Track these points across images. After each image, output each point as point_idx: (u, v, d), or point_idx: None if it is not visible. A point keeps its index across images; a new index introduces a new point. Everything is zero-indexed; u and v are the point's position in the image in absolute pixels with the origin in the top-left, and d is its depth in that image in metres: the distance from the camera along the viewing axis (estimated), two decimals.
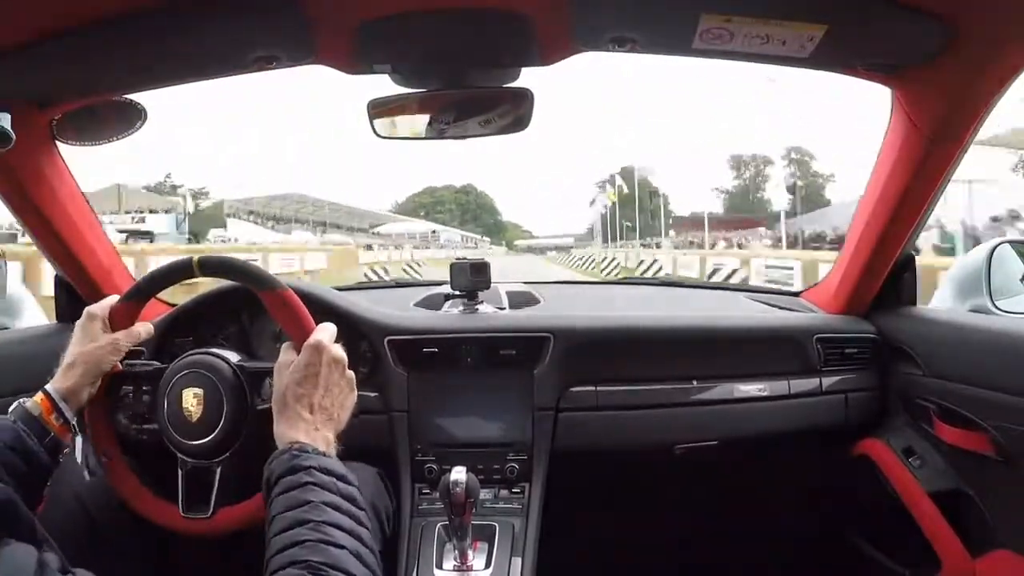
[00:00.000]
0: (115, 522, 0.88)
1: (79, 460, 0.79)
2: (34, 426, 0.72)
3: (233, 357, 0.83)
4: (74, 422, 0.75)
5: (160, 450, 0.81)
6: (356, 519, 0.60)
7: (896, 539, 1.20)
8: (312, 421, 0.67)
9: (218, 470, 0.79)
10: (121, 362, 0.85)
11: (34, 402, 0.74)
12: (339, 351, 0.73)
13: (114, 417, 0.84)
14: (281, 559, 0.55)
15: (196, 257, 0.80)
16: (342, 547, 0.56)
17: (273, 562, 0.56)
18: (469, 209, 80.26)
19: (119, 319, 0.83)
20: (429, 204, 77.39)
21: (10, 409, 0.74)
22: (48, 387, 0.75)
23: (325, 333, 0.73)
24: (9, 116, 0.51)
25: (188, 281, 0.84)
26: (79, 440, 0.78)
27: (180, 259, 0.82)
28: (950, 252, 10.68)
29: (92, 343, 0.78)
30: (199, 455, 0.78)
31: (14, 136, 0.55)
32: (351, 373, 0.73)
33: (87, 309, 0.81)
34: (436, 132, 1.00)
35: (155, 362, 0.87)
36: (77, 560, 0.57)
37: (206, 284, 1.05)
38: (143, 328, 0.85)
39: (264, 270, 0.79)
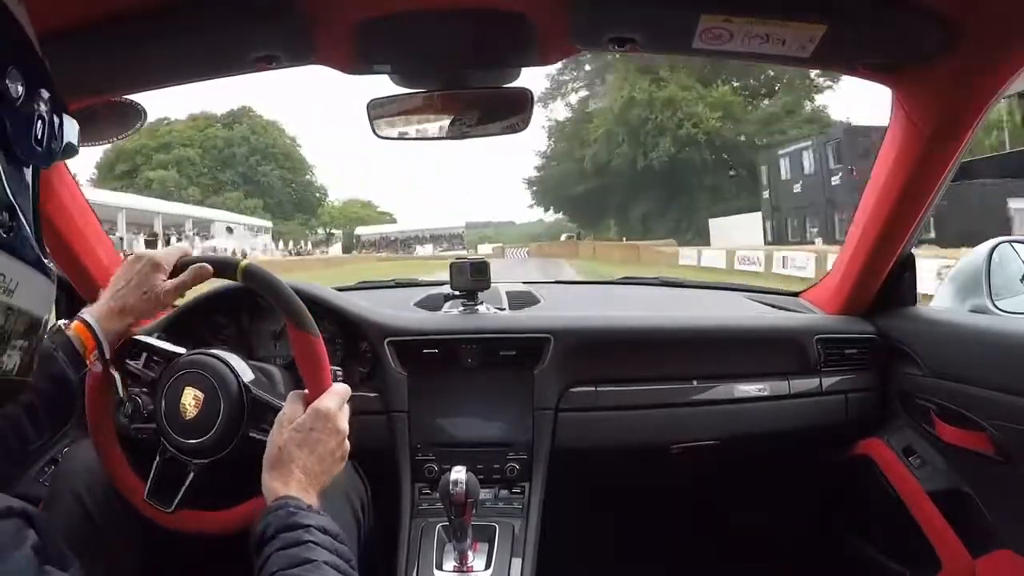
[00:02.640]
0: (116, 522, 0.88)
1: (122, 395, 0.81)
2: (75, 359, 0.73)
3: (246, 375, 0.81)
4: (108, 356, 0.77)
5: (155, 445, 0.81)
6: None
7: (896, 539, 1.20)
8: (303, 482, 0.67)
9: (192, 472, 0.79)
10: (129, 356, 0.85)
11: (77, 335, 0.74)
12: (343, 423, 0.72)
13: (115, 414, 0.84)
14: None
15: (243, 263, 0.78)
16: None
17: None
18: (234, 160, 38.00)
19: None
20: (147, 152, 35.41)
21: (51, 330, 0.73)
22: (93, 324, 0.75)
23: (335, 399, 0.73)
24: (77, 127, 0.52)
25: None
26: (117, 375, 0.80)
27: (227, 257, 0.82)
28: None
29: (146, 294, 0.78)
30: (181, 451, 0.79)
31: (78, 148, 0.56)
32: (348, 445, 0.73)
33: (151, 254, 0.79)
34: (436, 133, 1.00)
35: (168, 344, 0.86)
36: (78, 559, 0.57)
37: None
38: (190, 278, 0.81)
39: (304, 308, 0.77)
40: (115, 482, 0.83)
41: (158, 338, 0.85)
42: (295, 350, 0.76)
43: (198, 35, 0.79)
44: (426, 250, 37.64)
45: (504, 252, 29.76)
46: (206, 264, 0.80)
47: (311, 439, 0.69)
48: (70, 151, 0.49)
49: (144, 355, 0.84)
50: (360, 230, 43.55)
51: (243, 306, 1.13)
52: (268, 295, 0.78)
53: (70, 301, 1.24)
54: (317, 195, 44.58)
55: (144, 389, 0.83)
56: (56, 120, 0.47)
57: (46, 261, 0.46)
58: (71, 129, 0.50)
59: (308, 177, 43.43)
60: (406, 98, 0.96)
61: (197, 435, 0.77)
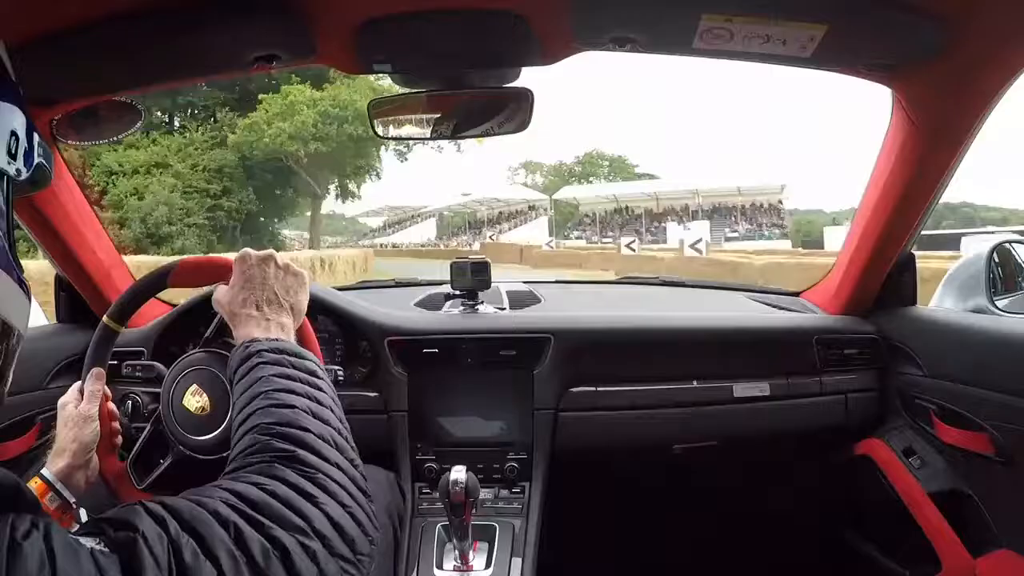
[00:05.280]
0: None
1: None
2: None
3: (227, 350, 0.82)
4: (73, 501, 0.75)
5: (161, 444, 0.81)
6: (313, 385, 0.61)
7: (896, 539, 1.20)
8: (261, 315, 0.68)
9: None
10: (122, 366, 0.84)
11: (30, 487, 0.73)
12: (261, 252, 0.74)
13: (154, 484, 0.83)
14: (240, 433, 0.56)
15: (107, 315, 0.82)
16: (292, 406, 0.57)
17: (235, 438, 0.57)
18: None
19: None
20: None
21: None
22: (43, 471, 0.76)
23: (246, 250, 0.75)
24: (51, 153, 0.51)
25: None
26: (83, 512, 0.78)
27: (99, 326, 0.82)
28: None
29: (71, 428, 0.78)
30: (213, 450, 0.78)
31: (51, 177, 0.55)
32: (286, 260, 0.74)
33: (59, 402, 0.80)
34: (437, 133, 1.00)
35: (156, 364, 0.87)
36: None
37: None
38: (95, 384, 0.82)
39: (153, 271, 0.81)
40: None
41: (158, 341, 0.85)
42: (192, 284, 0.81)
43: (198, 35, 0.79)
44: (686, 235, 16.00)
45: None
46: (94, 368, 0.81)
47: (246, 279, 0.71)
48: (42, 175, 0.49)
49: (133, 396, 0.85)
50: (572, 192, 23.86)
51: None
52: (135, 303, 0.82)
53: (70, 301, 1.24)
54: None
55: (146, 390, 0.83)
56: (29, 139, 0.48)
57: (20, 274, 0.47)
58: (44, 152, 0.50)
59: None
60: (407, 97, 0.96)
61: (217, 424, 0.77)
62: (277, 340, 0.65)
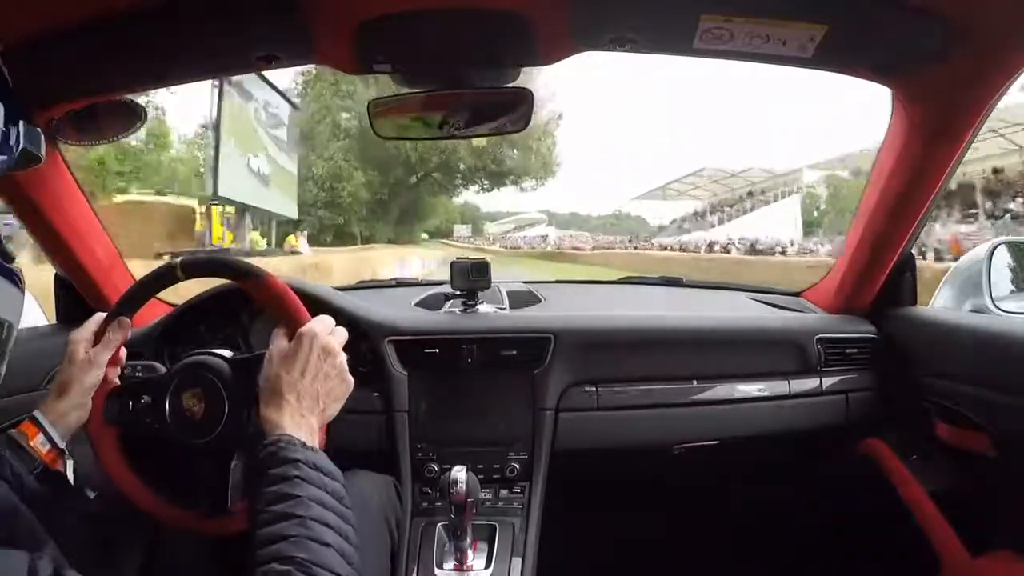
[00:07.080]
0: (123, 522, 0.88)
1: (72, 481, 0.77)
2: (21, 454, 0.71)
3: (228, 354, 0.82)
4: (63, 445, 0.74)
5: (165, 444, 0.81)
6: (343, 517, 0.60)
7: (896, 539, 1.20)
8: (298, 408, 0.66)
9: (232, 464, 0.78)
10: (122, 369, 0.84)
11: (19, 429, 0.73)
12: (331, 341, 0.71)
13: (119, 421, 0.83)
14: (267, 553, 0.55)
15: (180, 260, 0.79)
16: (328, 544, 0.56)
17: (259, 556, 0.55)
18: None
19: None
20: None
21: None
22: (35, 413, 0.75)
23: (320, 324, 0.72)
24: (40, 136, 0.51)
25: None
26: (70, 463, 0.76)
27: (163, 264, 0.81)
28: None
29: (75, 370, 0.78)
30: (209, 453, 0.78)
31: (43, 157, 0.54)
32: (343, 363, 0.72)
33: (70, 336, 0.79)
34: (437, 132, 1.00)
35: (156, 364, 0.86)
36: (76, 555, 0.57)
37: (204, 284, 1.04)
38: (117, 334, 0.81)
39: (246, 261, 0.78)
40: (179, 523, 0.82)
41: (159, 341, 0.84)
42: (261, 302, 0.76)
43: (198, 35, 0.79)
44: None
45: None
46: (120, 317, 0.79)
47: (299, 360, 0.68)
48: (29, 159, 0.49)
49: (132, 395, 0.83)
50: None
51: (242, 306, 1.13)
52: (211, 271, 0.78)
53: (70, 300, 1.24)
54: None
55: (145, 398, 0.83)
56: (12, 129, 0.47)
57: (8, 265, 0.46)
58: (32, 137, 0.49)
59: None
60: (406, 98, 0.96)
61: (213, 428, 0.77)
62: (313, 451, 0.63)
